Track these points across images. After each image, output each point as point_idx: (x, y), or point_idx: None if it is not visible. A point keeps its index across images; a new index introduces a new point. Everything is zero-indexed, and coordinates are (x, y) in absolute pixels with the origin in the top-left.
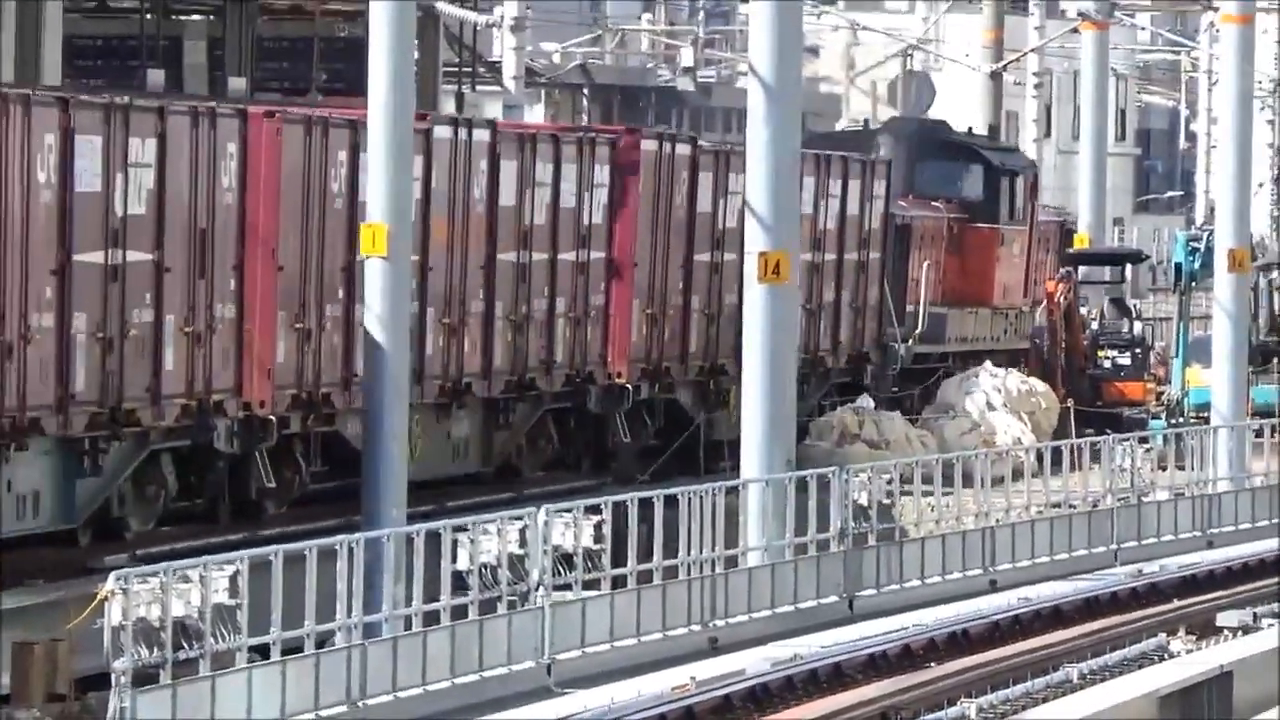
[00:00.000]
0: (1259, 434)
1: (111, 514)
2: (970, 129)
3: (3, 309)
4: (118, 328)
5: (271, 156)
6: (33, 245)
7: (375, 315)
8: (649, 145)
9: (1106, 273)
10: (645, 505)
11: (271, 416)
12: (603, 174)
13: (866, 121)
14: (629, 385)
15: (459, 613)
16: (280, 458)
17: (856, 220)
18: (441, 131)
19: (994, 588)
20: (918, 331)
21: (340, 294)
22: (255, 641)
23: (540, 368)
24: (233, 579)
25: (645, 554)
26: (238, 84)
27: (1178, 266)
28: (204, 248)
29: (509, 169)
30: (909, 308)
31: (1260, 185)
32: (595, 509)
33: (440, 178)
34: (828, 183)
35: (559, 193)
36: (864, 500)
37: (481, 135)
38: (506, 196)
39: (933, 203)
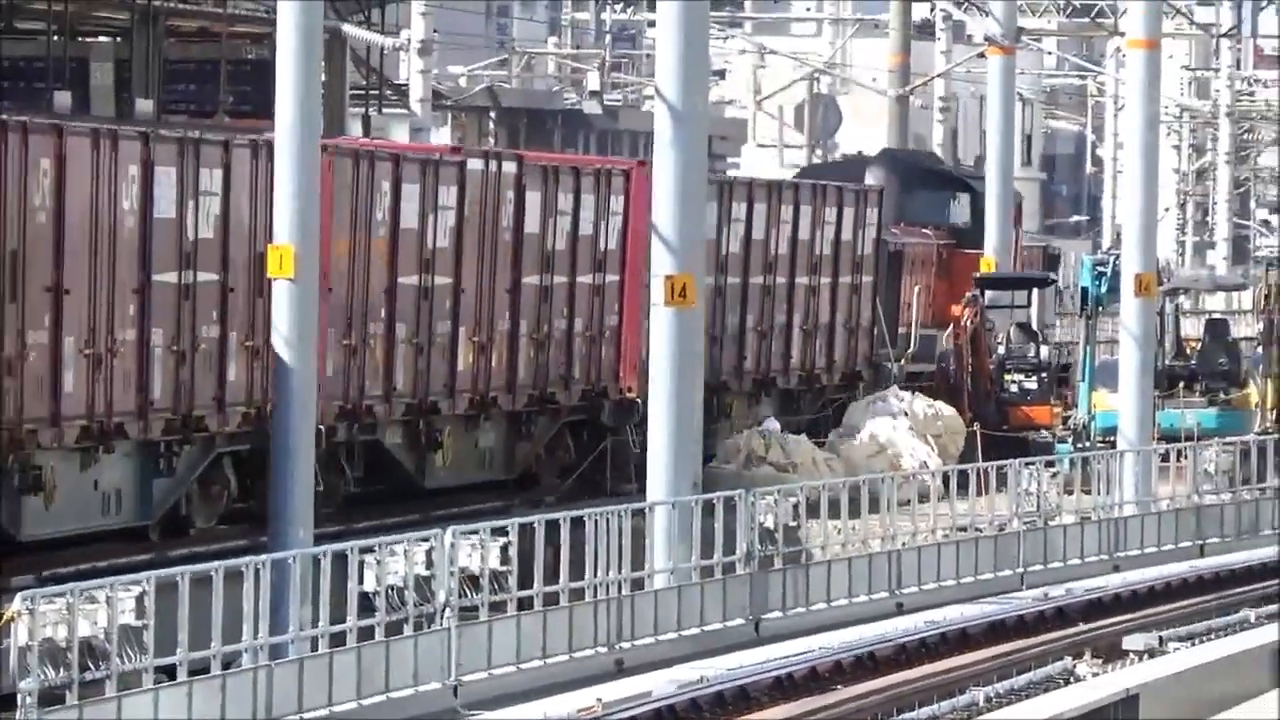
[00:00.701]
0: (1165, 458)
1: (180, 512)
2: (958, 161)
3: (95, 325)
4: (189, 342)
5: (325, 185)
6: (119, 267)
7: (282, 337)
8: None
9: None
10: (552, 527)
11: (321, 426)
12: (618, 203)
13: (860, 152)
14: (639, 399)
15: (365, 634)
16: (326, 465)
17: (850, 246)
18: (474, 164)
19: (900, 611)
20: (909, 351)
21: (381, 313)
22: (162, 662)
23: (559, 382)
24: (139, 600)
25: (552, 576)
26: (145, 106)
27: (1084, 291)
28: (262, 268)
29: (534, 199)
30: (900, 329)
31: (1166, 210)
32: (502, 531)
33: (472, 207)
34: (823, 210)
35: (578, 221)
36: (770, 523)
37: (510, 167)
38: (531, 224)
39: (923, 229)
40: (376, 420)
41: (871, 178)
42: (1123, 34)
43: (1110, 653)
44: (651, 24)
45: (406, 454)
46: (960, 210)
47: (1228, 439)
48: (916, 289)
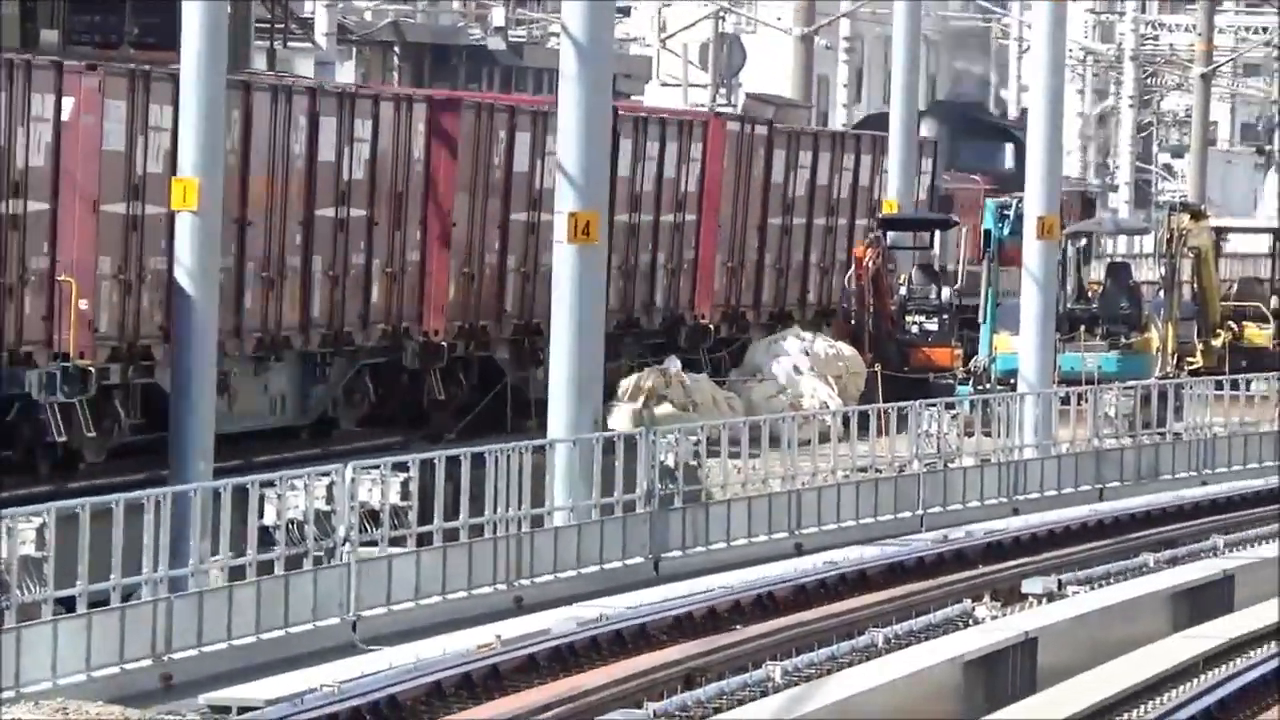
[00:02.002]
0: (1065, 401)
1: (328, 415)
2: (1004, 112)
3: (270, 252)
4: (342, 267)
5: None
6: (290, 203)
7: (185, 270)
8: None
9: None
10: (453, 463)
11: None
12: (697, 150)
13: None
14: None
15: (265, 568)
16: (446, 376)
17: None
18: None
19: (800, 551)
20: (958, 286)
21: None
22: (61, 594)
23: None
24: (39, 531)
25: (452, 512)
26: (50, 36)
27: (987, 233)
28: (401, 205)
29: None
30: (950, 266)
31: (1068, 153)
32: (402, 466)
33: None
34: (880, 159)
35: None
36: (670, 462)
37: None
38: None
39: (971, 176)
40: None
41: (925, 128)
42: None
43: (1009, 596)
44: None
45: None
46: (1005, 159)
47: (1128, 383)
48: (964, 229)
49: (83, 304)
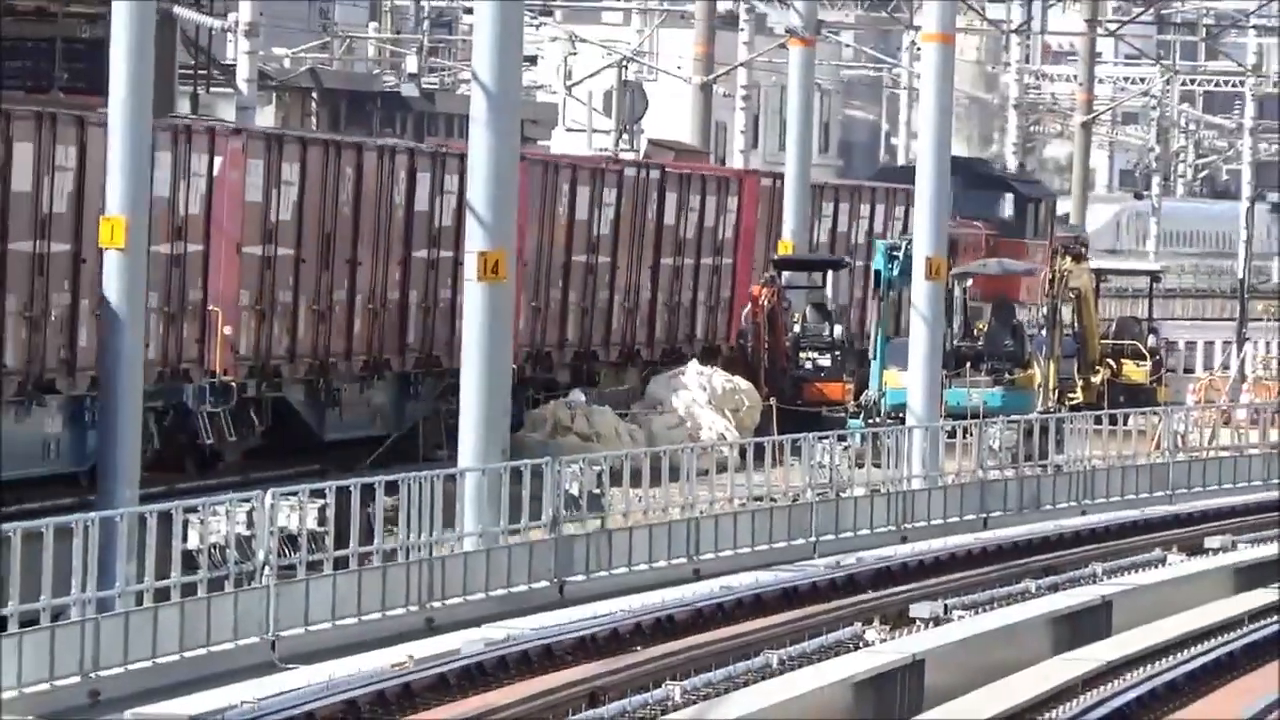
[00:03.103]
0: (951, 435)
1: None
2: (1004, 165)
3: (374, 287)
4: (433, 299)
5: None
6: (392, 245)
7: (112, 306)
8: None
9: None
10: (367, 490)
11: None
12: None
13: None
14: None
15: (189, 590)
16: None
17: None
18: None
19: (698, 576)
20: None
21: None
22: None
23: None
24: None
25: (366, 537)
26: None
27: (877, 273)
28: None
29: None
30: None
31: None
32: (319, 493)
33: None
34: (893, 208)
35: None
36: (575, 490)
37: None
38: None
39: (974, 222)
40: None
41: None
42: (918, 28)
43: (898, 620)
44: (468, 10)
45: None
46: (1005, 207)
47: (1011, 417)
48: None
49: (227, 330)
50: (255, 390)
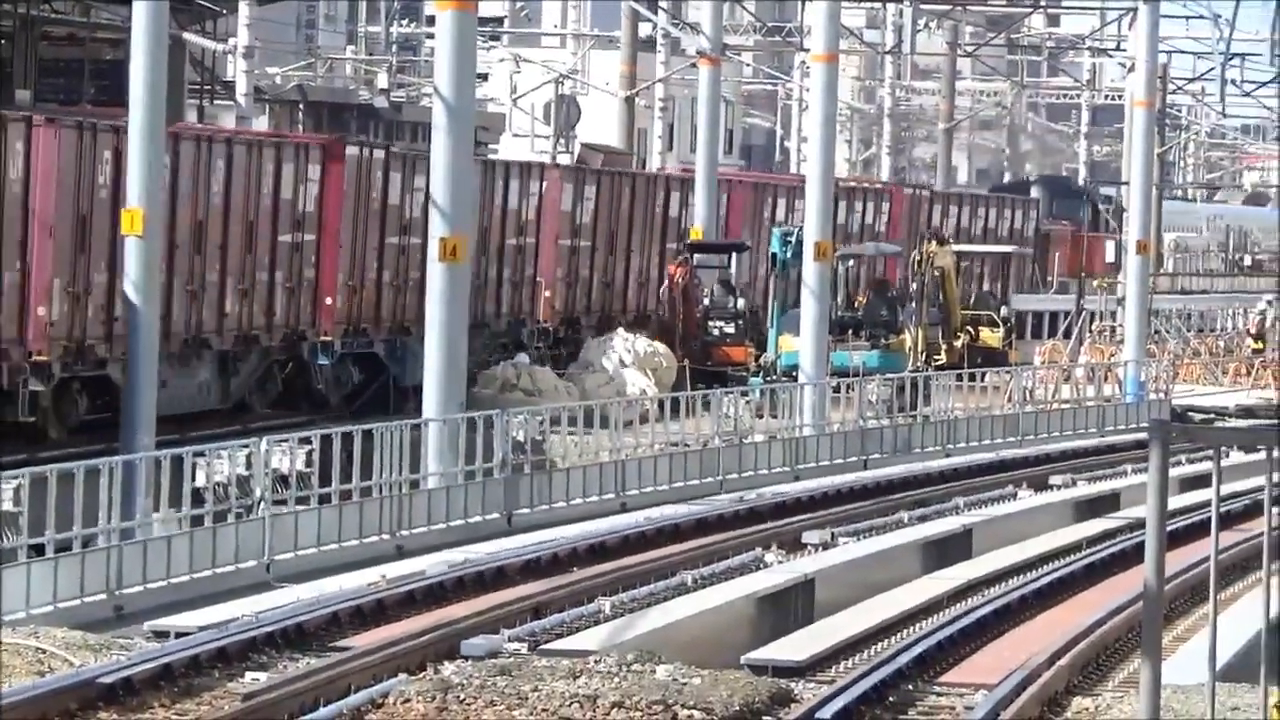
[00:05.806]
0: (836, 390)
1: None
2: (1087, 179)
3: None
4: (509, 275)
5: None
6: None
7: (132, 282)
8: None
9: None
10: (347, 437)
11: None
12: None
13: (1026, 178)
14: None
15: (197, 521)
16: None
17: (1020, 231)
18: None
19: (624, 509)
20: (1052, 291)
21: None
22: (33, 541)
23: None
24: (16, 490)
25: (346, 477)
26: (23, 95)
27: (773, 255)
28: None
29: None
30: (1049, 278)
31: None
32: (307, 440)
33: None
34: (1005, 212)
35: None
36: (521, 437)
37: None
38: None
39: (1061, 221)
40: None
41: (1035, 192)
42: (807, 50)
43: (792, 545)
44: (430, 36)
45: None
46: (1085, 210)
47: (887, 375)
48: (1058, 255)
49: (328, 300)
50: (352, 348)
